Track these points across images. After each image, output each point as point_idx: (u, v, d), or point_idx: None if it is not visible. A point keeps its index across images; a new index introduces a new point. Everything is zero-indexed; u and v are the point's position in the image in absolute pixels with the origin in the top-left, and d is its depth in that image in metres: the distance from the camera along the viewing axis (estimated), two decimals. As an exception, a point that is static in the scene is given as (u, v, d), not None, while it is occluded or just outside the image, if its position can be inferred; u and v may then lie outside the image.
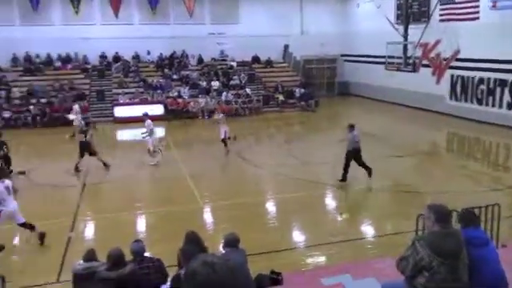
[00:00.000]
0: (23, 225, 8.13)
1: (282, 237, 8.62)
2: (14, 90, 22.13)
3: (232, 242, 5.41)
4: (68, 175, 12.71)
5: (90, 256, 5.03)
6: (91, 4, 24.57)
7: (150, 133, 13.80)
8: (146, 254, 5.51)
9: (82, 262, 5.04)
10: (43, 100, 21.52)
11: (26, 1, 23.40)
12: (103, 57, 25.17)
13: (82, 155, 12.98)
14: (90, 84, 23.76)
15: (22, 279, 6.47)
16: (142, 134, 13.99)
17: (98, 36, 24.39)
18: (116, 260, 4.64)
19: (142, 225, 9.55)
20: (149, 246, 5.45)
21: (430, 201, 7.02)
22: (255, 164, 13.80)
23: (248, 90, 24.00)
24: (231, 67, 26.14)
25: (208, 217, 9.96)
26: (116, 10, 24.48)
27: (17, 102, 21.44)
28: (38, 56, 24.45)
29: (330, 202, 10.97)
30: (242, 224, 8.57)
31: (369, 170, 11.32)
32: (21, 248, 8.44)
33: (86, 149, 12.99)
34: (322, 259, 7.75)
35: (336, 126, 19.97)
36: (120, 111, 21.66)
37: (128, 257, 5.17)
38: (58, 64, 24.58)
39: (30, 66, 23.89)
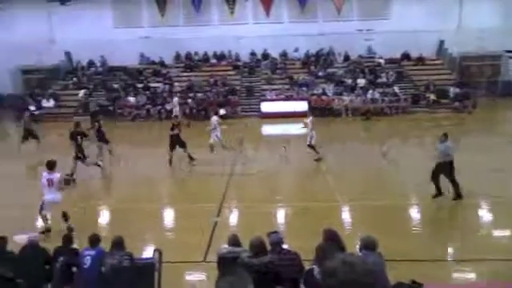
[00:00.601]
0: (64, 214, 8.77)
1: (424, 246, 8.07)
2: (176, 84, 24.71)
3: (370, 245, 5.25)
4: (218, 165, 13.69)
5: (234, 241, 5.37)
6: (245, 5, 26.05)
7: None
8: (284, 246, 5.67)
9: (226, 245, 5.41)
10: (199, 94, 23.57)
11: (190, 4, 25.89)
12: (253, 54, 26.51)
13: (172, 148, 13.62)
14: (241, 80, 25.27)
15: (173, 255, 7.20)
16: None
17: (249, 34, 25.80)
18: (258, 248, 4.88)
19: (281, 217, 9.85)
20: (286, 239, 5.59)
21: None
22: (400, 166, 13.16)
23: (396, 89, 22.94)
24: (379, 64, 25.26)
25: (346, 216, 9.82)
26: (267, 10, 25.56)
27: (177, 95, 23.85)
28: (196, 54, 26.86)
29: (485, 214, 9.89)
30: (380, 227, 8.26)
31: (457, 188, 9.89)
32: (174, 227, 9.40)
33: (176, 142, 13.62)
34: (470, 276, 7.06)
35: (495, 130, 17.92)
36: (267, 106, 22.59)
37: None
38: (214, 61, 26.66)
39: (190, 62, 26.39)
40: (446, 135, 10.12)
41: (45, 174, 8.64)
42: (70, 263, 5.60)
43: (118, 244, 5.90)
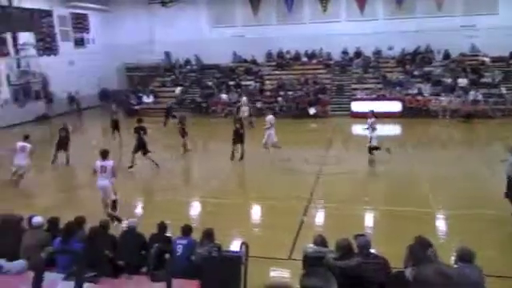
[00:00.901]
0: (113, 202, 9.25)
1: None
2: (267, 82, 25.06)
3: (467, 257, 4.89)
4: (306, 163, 13.66)
5: (321, 241, 5.33)
6: (338, 2, 25.64)
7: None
8: (372, 250, 5.50)
9: (312, 245, 5.39)
10: (290, 92, 23.67)
11: (283, 3, 26.10)
12: (345, 53, 26.00)
13: (234, 142, 14.09)
14: (332, 79, 24.93)
15: (259, 250, 7.33)
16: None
17: (341, 32, 25.34)
18: (344, 250, 4.79)
19: (369, 220, 9.56)
20: (372, 243, 5.42)
21: None
22: (502, 175, 12.10)
23: (503, 90, 21.11)
24: (483, 63, 23.39)
25: (440, 224, 9.25)
26: (361, 7, 24.91)
27: (268, 93, 24.18)
28: (288, 52, 26.99)
29: None
30: (478, 238, 7.66)
31: None
32: (260, 223, 9.57)
33: (238, 137, 14.08)
34: None
35: None
36: (357, 106, 22.05)
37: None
38: (305, 59, 26.60)
39: (282, 61, 26.60)
40: None
41: (98, 162, 9.22)
42: (163, 250, 5.94)
43: (209, 235, 6.14)
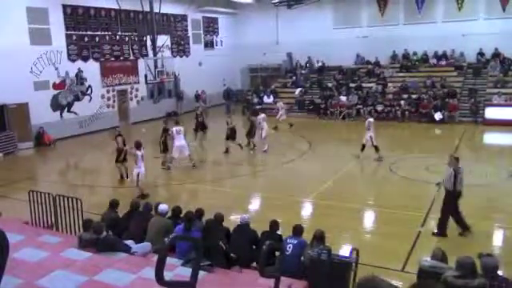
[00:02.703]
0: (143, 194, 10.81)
1: None
2: (390, 85, 24.05)
3: None
4: (427, 171, 12.84)
5: (440, 256, 4.96)
6: (476, -1, 23.63)
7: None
8: (500, 273, 4.97)
9: (428, 259, 5.05)
10: (414, 96, 22.43)
11: (412, 1, 24.80)
12: (481, 54, 23.81)
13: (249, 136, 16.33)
14: (463, 82, 23.04)
15: (370, 258, 7.10)
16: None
17: (478, 32, 23.24)
18: (467, 270, 4.37)
19: (498, 238, 8.66)
20: (501, 265, 4.87)
21: None
22: None
23: None
24: None
25: None
26: (505, 3, 22.57)
27: (390, 96, 23.20)
28: (415, 54, 25.58)
29: None
30: None
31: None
32: (374, 230, 9.22)
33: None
34: None
35: None
36: (492, 112, 20.07)
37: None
38: (433, 61, 24.96)
39: (407, 63, 25.30)
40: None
41: (174, 128, 12.02)
42: (274, 247, 6.07)
43: (320, 238, 6.12)
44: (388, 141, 17.63)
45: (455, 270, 4.52)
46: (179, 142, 13.77)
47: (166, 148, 14.20)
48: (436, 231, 8.52)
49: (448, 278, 4.45)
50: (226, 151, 15.82)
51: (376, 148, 14.20)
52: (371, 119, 14.58)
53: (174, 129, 13.90)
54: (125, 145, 12.95)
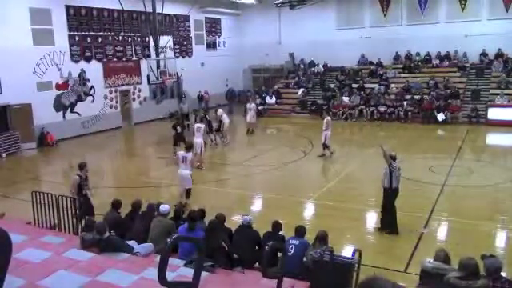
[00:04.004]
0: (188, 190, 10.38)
1: None
2: (392, 85, 24.01)
3: None
4: (429, 172, 12.82)
5: (443, 257, 4.93)
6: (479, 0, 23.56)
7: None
8: (503, 274, 4.95)
9: (431, 260, 5.03)
10: (417, 96, 22.38)
11: (415, 2, 24.76)
12: (484, 54, 23.75)
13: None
14: (466, 83, 22.99)
15: (372, 259, 7.10)
16: None
17: (481, 32, 23.19)
18: (469, 271, 4.35)
19: (500, 240, 8.62)
20: (504, 266, 4.86)
21: None
22: None
23: None
24: None
25: None
26: (508, 4, 22.52)
27: (393, 97, 23.15)
28: (418, 54, 25.54)
29: None
30: None
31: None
32: (376, 231, 9.19)
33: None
34: None
35: None
36: (495, 113, 20.02)
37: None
38: (436, 62, 24.91)
39: (410, 63, 25.26)
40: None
41: (181, 153, 10.56)
42: (277, 248, 6.07)
43: (322, 238, 6.12)
44: (390, 141, 17.62)
45: (458, 271, 4.51)
46: (198, 138, 14.33)
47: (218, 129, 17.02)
48: (385, 230, 8.65)
49: (451, 279, 4.44)
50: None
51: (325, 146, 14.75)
52: (328, 118, 15.15)
53: (196, 126, 14.74)
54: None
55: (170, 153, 14.92)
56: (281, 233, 6.81)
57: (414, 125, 20.86)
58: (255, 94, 26.54)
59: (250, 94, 26.96)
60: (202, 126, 14.86)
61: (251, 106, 20.64)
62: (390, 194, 8.63)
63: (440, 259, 5.04)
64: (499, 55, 23.24)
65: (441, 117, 20.70)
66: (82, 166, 9.12)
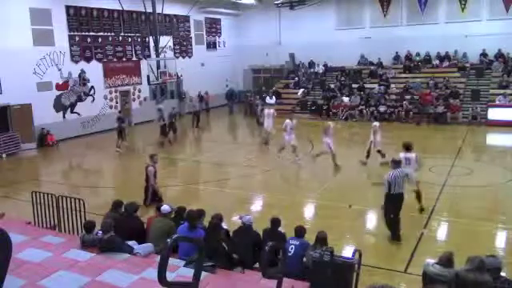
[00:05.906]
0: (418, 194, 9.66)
1: None
2: (392, 86, 24.01)
3: None
4: (429, 172, 12.80)
5: (446, 261, 4.89)
6: (479, 0, 23.55)
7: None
8: (502, 274, 4.94)
9: (433, 261, 5.01)
10: (416, 97, 22.38)
11: (415, 2, 24.75)
12: (484, 55, 23.75)
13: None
14: (466, 83, 22.99)
15: (373, 260, 7.10)
16: None
17: (481, 33, 23.20)
18: (480, 265, 4.36)
19: (500, 240, 8.62)
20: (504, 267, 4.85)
21: None
22: None
23: None
24: None
25: None
26: (508, 4, 22.52)
27: (393, 97, 23.16)
28: (418, 54, 25.55)
29: None
30: None
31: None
32: (377, 232, 9.20)
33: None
34: None
35: None
36: (495, 113, 20.03)
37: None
38: (436, 62, 24.91)
39: (410, 63, 25.26)
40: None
41: (402, 155, 9.53)
42: (277, 248, 6.06)
43: (322, 239, 6.11)
44: (390, 142, 17.60)
45: (466, 265, 4.51)
46: (267, 123, 15.99)
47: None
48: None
49: (460, 272, 4.45)
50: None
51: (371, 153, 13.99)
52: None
53: (266, 111, 16.33)
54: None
55: (170, 152, 14.86)
56: (280, 229, 6.77)
57: (413, 125, 20.86)
58: (256, 95, 26.50)
59: (264, 95, 24.33)
60: (272, 111, 16.61)
61: (270, 111, 17.29)
62: (391, 200, 8.37)
63: (443, 262, 4.99)
64: (499, 55, 23.23)
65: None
66: (153, 156, 10.30)
